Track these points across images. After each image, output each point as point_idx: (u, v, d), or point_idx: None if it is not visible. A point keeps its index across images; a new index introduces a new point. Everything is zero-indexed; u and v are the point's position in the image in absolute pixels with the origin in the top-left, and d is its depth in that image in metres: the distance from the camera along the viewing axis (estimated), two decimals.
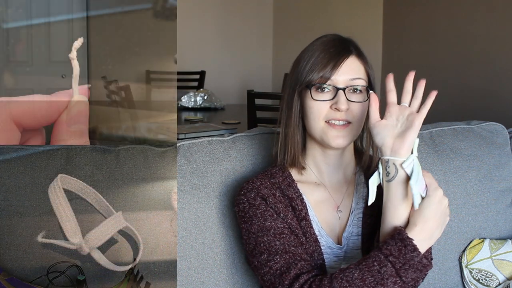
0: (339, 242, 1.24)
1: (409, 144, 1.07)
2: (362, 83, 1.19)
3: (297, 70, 1.22)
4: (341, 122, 1.17)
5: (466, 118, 1.70)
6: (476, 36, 3.07)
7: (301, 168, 1.26)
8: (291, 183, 1.25)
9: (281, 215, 1.18)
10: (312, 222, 1.22)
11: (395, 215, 1.09)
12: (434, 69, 3.37)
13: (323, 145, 1.21)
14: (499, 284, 1.45)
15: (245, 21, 4.82)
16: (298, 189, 1.24)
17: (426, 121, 1.60)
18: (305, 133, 1.24)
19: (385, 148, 1.08)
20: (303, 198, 1.24)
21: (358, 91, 1.19)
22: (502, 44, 2.90)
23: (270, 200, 1.20)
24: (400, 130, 1.08)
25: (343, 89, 1.17)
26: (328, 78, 1.17)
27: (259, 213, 1.18)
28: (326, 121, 1.18)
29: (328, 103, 1.17)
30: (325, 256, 1.21)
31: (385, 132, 1.09)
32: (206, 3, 4.66)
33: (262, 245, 1.15)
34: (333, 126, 1.17)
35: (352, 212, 1.25)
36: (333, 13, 4.24)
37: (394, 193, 1.08)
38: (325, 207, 1.25)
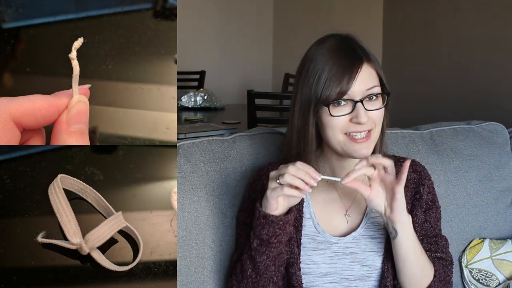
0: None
1: (398, 212, 1.14)
2: (377, 90, 1.15)
3: (306, 84, 1.16)
4: (363, 134, 1.14)
5: (466, 118, 1.70)
6: (476, 36, 3.07)
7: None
8: None
9: None
10: (304, 219, 1.23)
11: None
12: (434, 69, 3.37)
13: (343, 155, 1.18)
14: (499, 284, 1.45)
15: (245, 20, 4.81)
16: None
17: (427, 121, 1.61)
18: (321, 139, 1.20)
19: (382, 215, 1.17)
20: None
21: (374, 98, 1.15)
22: (502, 44, 2.90)
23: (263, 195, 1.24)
24: (388, 200, 1.15)
25: (361, 101, 1.13)
26: (345, 93, 1.13)
27: (249, 208, 1.27)
28: (346, 133, 1.14)
29: (347, 116, 1.13)
30: (318, 252, 1.21)
31: (377, 200, 1.15)
32: (206, 3, 4.66)
33: (239, 239, 1.31)
34: (354, 141, 1.13)
35: (367, 215, 1.23)
36: (333, 13, 4.23)
37: (400, 249, 1.17)
38: (332, 208, 1.25)
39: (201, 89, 3.55)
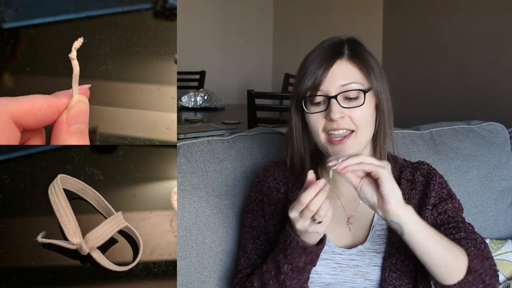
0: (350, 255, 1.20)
1: (391, 202, 1.01)
2: (356, 87, 1.11)
3: (295, 81, 1.18)
4: (341, 132, 1.11)
5: (466, 118, 1.70)
6: (476, 36, 3.07)
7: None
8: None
9: (266, 217, 1.24)
10: None
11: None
12: (434, 69, 3.37)
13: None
14: (500, 284, 1.45)
15: (245, 21, 4.82)
16: None
17: (427, 121, 1.61)
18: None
19: (377, 209, 1.06)
20: None
21: (354, 97, 1.11)
22: (502, 44, 2.90)
23: (270, 197, 1.23)
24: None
25: (335, 97, 1.10)
26: (318, 88, 1.11)
27: (255, 210, 1.26)
28: (326, 133, 1.12)
29: (323, 114, 1.12)
30: (322, 262, 1.17)
31: (367, 189, 1.05)
32: (206, 3, 4.66)
33: (244, 241, 1.27)
34: (333, 142, 1.11)
35: (373, 227, 1.20)
36: (333, 13, 4.24)
37: (415, 241, 1.05)
38: (335, 216, 1.18)
39: (201, 89, 3.55)
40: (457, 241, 1.12)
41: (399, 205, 1.02)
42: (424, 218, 1.16)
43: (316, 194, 1.00)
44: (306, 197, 0.99)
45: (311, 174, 1.02)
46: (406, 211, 1.03)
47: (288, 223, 1.08)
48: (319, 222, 1.01)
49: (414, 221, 1.04)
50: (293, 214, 1.02)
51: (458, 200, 1.22)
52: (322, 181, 1.00)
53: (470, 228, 1.18)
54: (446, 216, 1.18)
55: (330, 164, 1.03)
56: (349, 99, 1.12)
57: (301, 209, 1.01)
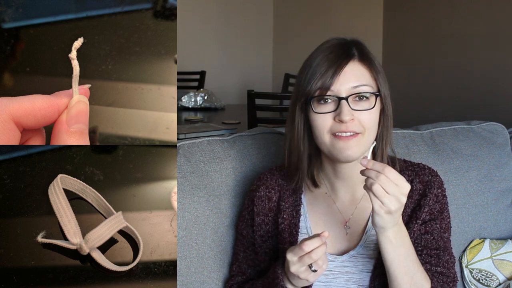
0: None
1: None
2: (367, 89, 1.10)
3: (298, 81, 1.15)
4: (348, 134, 1.09)
5: (466, 118, 1.70)
6: (476, 36, 3.07)
7: (312, 180, 1.21)
8: (298, 190, 1.23)
9: (254, 227, 1.26)
10: (299, 234, 1.21)
11: None
12: (434, 69, 3.37)
13: (332, 158, 1.14)
14: (499, 284, 1.45)
15: (245, 21, 4.82)
16: (301, 197, 1.23)
17: (427, 121, 1.61)
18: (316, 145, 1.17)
19: None
20: (299, 209, 1.22)
21: (364, 98, 1.10)
22: (502, 44, 2.90)
23: (259, 207, 1.25)
24: None
25: (346, 98, 1.08)
26: (328, 88, 1.09)
27: (246, 218, 1.28)
28: (332, 134, 1.10)
29: (332, 114, 1.09)
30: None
31: None
32: (206, 3, 4.66)
33: (236, 247, 1.32)
34: (339, 138, 1.09)
35: (366, 232, 1.18)
36: (333, 13, 4.24)
37: (383, 256, 1.10)
38: (331, 221, 1.20)
39: (201, 89, 3.55)
40: (432, 273, 1.15)
41: (377, 230, 1.06)
42: (412, 230, 1.16)
43: (319, 246, 1.03)
44: (309, 246, 1.03)
45: (327, 233, 1.04)
46: (384, 237, 1.06)
47: (279, 262, 1.11)
48: (315, 271, 1.04)
49: (390, 244, 1.07)
50: (290, 256, 1.05)
51: (448, 216, 1.21)
52: (326, 235, 1.04)
53: (448, 259, 1.18)
54: (432, 238, 1.18)
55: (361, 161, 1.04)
56: (358, 101, 1.10)
57: (301, 254, 1.03)
